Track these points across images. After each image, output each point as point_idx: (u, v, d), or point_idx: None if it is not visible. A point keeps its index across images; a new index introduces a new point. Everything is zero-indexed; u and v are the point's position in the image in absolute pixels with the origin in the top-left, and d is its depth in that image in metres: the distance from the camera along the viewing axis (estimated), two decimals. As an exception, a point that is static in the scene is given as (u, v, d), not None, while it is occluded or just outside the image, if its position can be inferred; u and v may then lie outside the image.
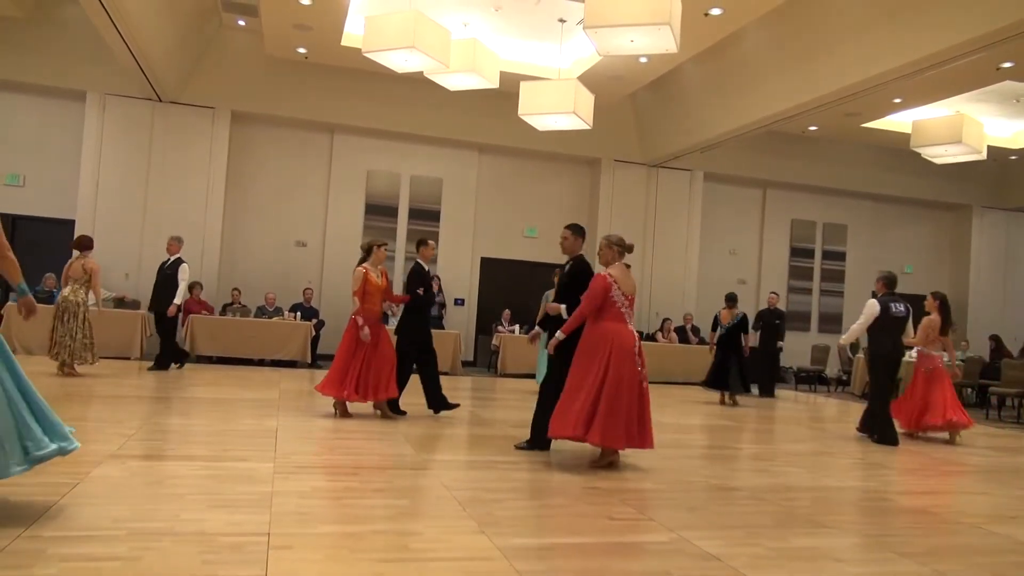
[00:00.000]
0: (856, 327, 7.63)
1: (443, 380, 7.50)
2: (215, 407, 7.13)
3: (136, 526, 3.28)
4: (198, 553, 2.99)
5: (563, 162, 14.69)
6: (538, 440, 5.57)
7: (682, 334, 13.96)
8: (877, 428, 7.44)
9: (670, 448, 6.33)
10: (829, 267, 16.36)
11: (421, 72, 9.30)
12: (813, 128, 14.26)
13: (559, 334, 5.28)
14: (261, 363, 11.62)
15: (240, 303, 12.11)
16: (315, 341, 11.83)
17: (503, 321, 13.15)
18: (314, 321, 12.00)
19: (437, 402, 7.17)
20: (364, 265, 6.79)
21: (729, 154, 14.60)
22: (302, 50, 12.03)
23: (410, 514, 3.83)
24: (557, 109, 9.73)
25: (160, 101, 12.21)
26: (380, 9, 9.60)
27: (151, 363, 9.83)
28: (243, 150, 13.09)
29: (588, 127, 10.12)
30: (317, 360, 11.86)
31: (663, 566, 3.21)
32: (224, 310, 12.00)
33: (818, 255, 16.34)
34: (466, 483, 4.53)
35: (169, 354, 9.75)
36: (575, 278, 5.49)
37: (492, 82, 9.79)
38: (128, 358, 10.82)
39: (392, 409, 6.92)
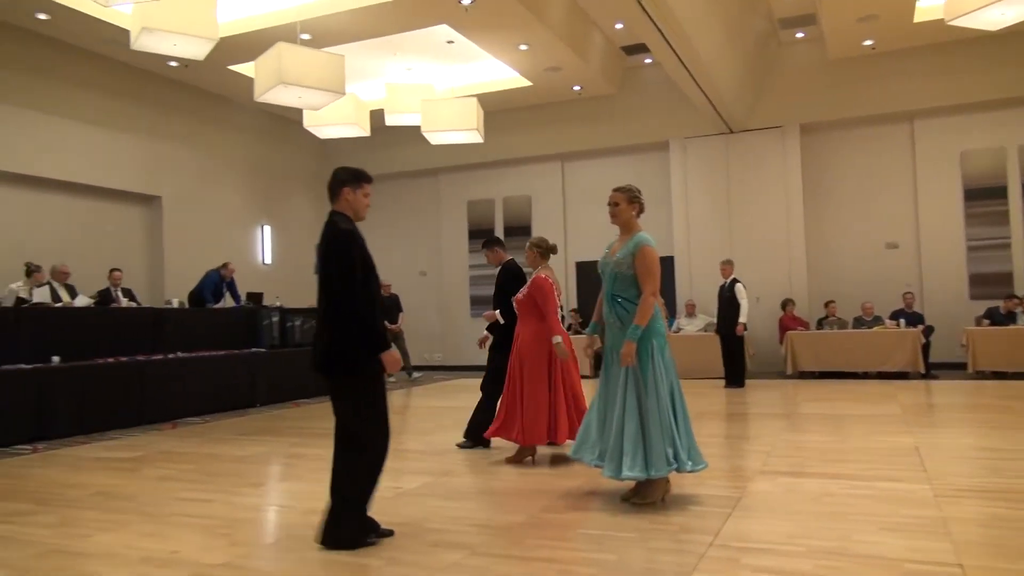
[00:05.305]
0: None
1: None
2: (834, 423, 6.94)
3: (811, 543, 3.31)
4: (888, 579, 2.85)
5: None
6: None
7: None
8: None
9: None
10: None
11: (1020, 22, 7.79)
12: None
13: None
14: (866, 376, 11.04)
15: (835, 316, 11.77)
16: (925, 348, 10.73)
17: None
18: (921, 327, 10.92)
19: None
20: None
21: None
22: (868, 42, 11.32)
23: None
24: None
25: (732, 132, 12.86)
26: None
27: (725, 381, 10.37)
28: (815, 160, 12.85)
29: None
30: (931, 370, 10.73)
31: None
32: (819, 324, 11.81)
33: None
34: None
35: (742, 373, 10.26)
36: None
37: None
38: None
39: None
